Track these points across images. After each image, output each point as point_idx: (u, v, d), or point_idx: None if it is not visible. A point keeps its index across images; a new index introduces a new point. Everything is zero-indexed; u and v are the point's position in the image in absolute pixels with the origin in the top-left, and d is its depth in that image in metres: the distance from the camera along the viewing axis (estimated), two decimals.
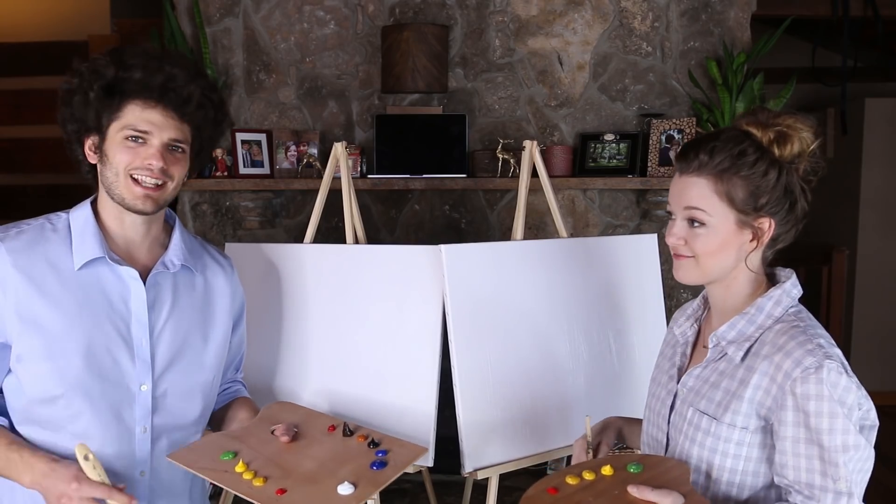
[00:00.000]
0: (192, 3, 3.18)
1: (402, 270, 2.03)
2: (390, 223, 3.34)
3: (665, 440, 1.29)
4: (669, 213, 1.25)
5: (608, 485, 1.13)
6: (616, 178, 3.13)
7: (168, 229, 1.44)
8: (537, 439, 2.00)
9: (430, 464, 1.90)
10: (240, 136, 3.16)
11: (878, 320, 4.67)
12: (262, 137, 3.22)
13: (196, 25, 3.19)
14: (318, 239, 2.28)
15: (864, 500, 1.17)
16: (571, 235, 2.26)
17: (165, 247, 1.41)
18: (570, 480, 1.14)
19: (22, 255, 1.28)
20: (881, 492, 2.87)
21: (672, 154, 3.08)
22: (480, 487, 2.18)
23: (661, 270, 2.35)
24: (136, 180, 1.29)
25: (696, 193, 1.18)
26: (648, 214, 3.27)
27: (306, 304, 2.10)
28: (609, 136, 3.17)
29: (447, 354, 1.90)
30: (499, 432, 1.93)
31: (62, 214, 1.37)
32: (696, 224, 1.19)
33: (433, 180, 3.12)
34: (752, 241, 1.20)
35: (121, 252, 1.35)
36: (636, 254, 2.30)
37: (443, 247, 1.90)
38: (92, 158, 1.33)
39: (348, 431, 1.44)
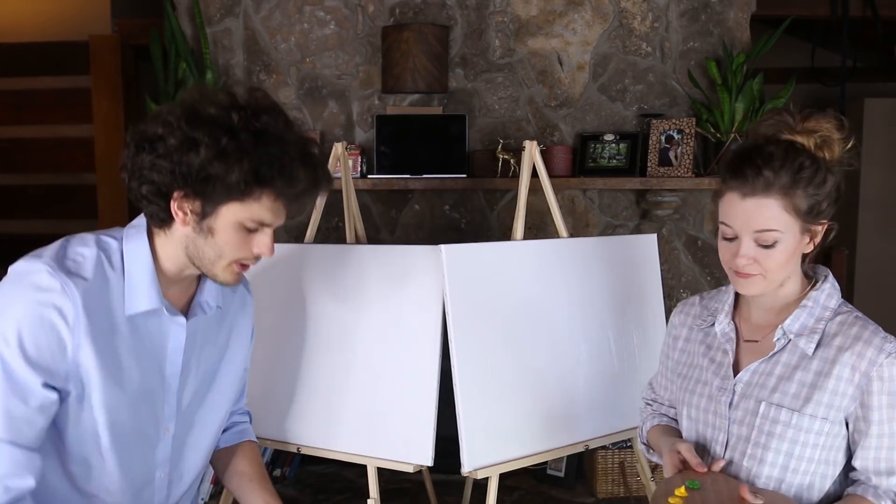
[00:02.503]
0: (193, 4, 3.18)
1: (402, 270, 2.03)
2: (390, 223, 3.34)
3: (725, 437, 1.30)
4: (725, 226, 1.23)
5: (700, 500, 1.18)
6: (616, 178, 3.13)
7: None
8: (537, 439, 2.01)
9: (430, 463, 1.90)
10: None
11: (878, 320, 4.65)
12: None
13: (196, 26, 3.19)
14: (318, 239, 2.28)
15: None
16: (571, 235, 2.26)
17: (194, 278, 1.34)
18: (673, 501, 1.18)
19: (91, 298, 1.17)
20: None
21: (673, 158, 3.08)
22: (480, 487, 2.18)
23: (661, 270, 2.36)
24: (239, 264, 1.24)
25: (769, 215, 1.19)
26: (648, 214, 3.27)
27: (306, 303, 2.10)
28: (609, 137, 3.18)
29: (447, 354, 1.90)
30: (499, 432, 1.94)
31: (113, 245, 1.23)
32: (767, 245, 1.20)
33: (433, 180, 3.12)
34: (808, 243, 1.24)
35: (164, 292, 1.27)
36: (636, 254, 2.30)
37: (443, 247, 1.91)
38: (183, 221, 1.18)
39: None
